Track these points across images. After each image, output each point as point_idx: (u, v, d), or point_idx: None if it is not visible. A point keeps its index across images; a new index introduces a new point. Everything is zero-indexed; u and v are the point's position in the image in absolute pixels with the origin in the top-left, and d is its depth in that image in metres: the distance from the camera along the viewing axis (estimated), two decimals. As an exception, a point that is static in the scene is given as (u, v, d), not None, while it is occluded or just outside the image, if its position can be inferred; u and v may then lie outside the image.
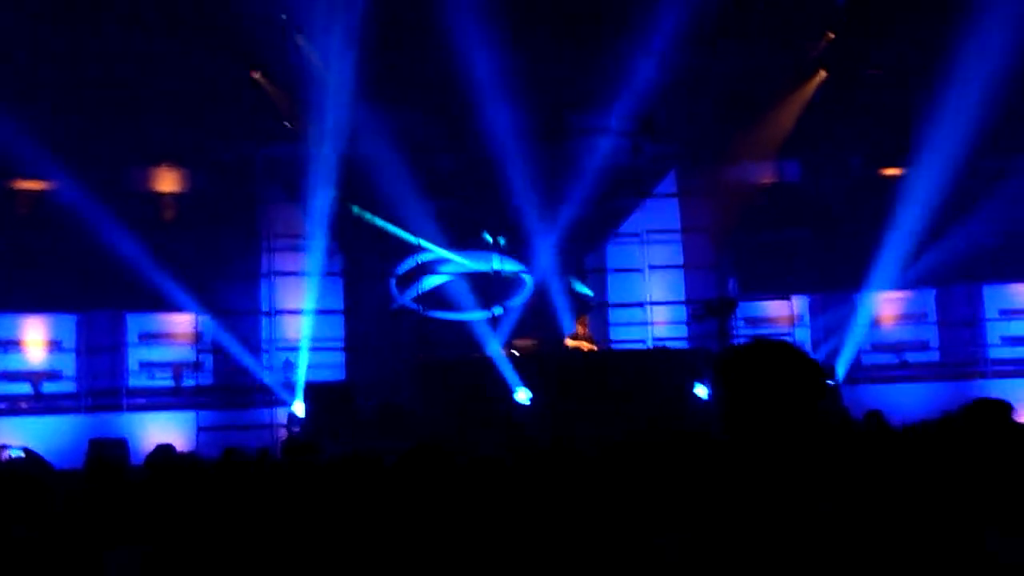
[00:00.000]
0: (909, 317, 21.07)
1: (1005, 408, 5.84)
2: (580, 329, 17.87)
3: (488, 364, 17.11)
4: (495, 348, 18.13)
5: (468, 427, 14.54)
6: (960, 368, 20.34)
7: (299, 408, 17.88)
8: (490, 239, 19.85)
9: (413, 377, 17.48)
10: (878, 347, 20.92)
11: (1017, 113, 17.65)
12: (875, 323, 20.93)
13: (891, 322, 21.07)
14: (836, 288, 20.32)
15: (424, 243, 20.40)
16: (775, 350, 2.74)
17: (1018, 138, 18.75)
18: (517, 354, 17.19)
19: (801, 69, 19.75)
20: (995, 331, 20.54)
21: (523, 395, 16.30)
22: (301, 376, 19.02)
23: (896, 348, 20.90)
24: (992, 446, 5.18)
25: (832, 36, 18.90)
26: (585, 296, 20.88)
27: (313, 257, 20.06)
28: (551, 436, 10.64)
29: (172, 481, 7.18)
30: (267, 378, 19.46)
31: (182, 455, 10.86)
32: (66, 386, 19.54)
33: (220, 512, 5.62)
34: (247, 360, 19.64)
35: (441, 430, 14.34)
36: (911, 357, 20.82)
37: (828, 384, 2.85)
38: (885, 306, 21.02)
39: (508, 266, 20.64)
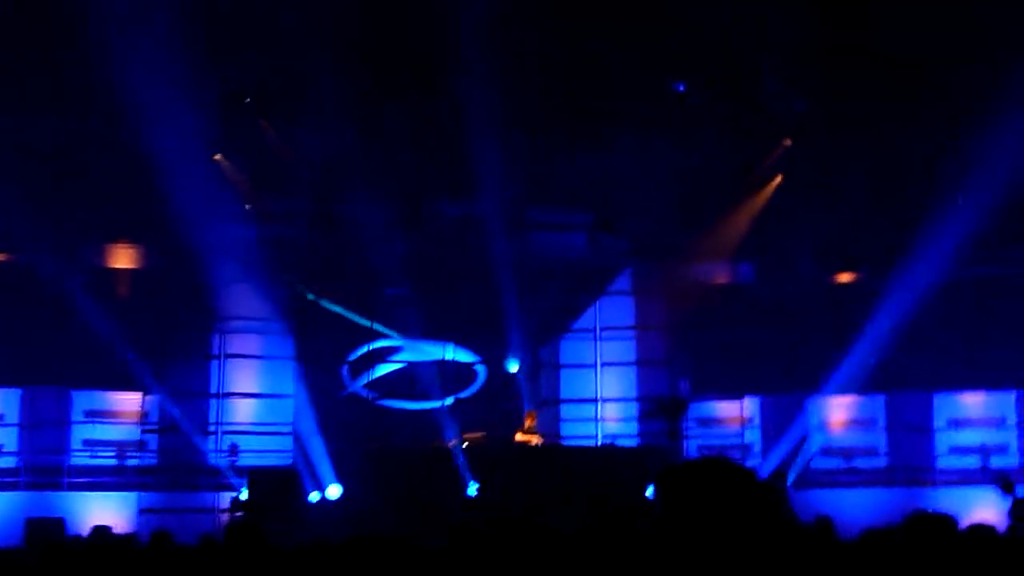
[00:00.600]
0: (859, 422, 21.13)
1: (948, 522, 5.84)
2: (529, 423, 17.82)
3: (437, 455, 17.00)
4: (446, 439, 18.02)
5: (413, 517, 14.37)
6: (909, 474, 20.37)
7: (244, 494, 17.65)
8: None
9: (360, 464, 17.31)
10: (827, 451, 20.92)
11: (975, 224, 17.90)
12: (825, 427, 20.99)
13: (841, 426, 21.11)
14: (787, 391, 20.39)
15: (379, 329, 20.35)
16: (710, 467, 2.77)
17: (975, 250, 19.02)
18: (466, 446, 17.10)
19: (758, 173, 20.03)
20: (944, 440, 20.62)
21: (473, 489, 16.23)
22: (245, 461, 18.83)
23: (845, 453, 20.91)
24: (934, 561, 5.19)
25: (788, 142, 19.22)
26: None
27: (265, 340, 19.97)
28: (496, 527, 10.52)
29: (109, 564, 7.04)
30: (213, 461, 19.20)
31: (119, 537, 10.67)
32: (6, 461, 19.17)
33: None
34: (194, 441, 19.38)
35: (385, 519, 14.17)
36: (860, 462, 20.83)
37: (766, 496, 2.85)
38: (835, 410, 21.08)
39: (461, 356, 20.60)
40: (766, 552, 2.66)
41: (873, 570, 5.44)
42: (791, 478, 19.45)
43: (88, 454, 19.49)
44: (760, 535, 2.67)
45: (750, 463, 19.82)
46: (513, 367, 20.14)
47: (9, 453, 19.27)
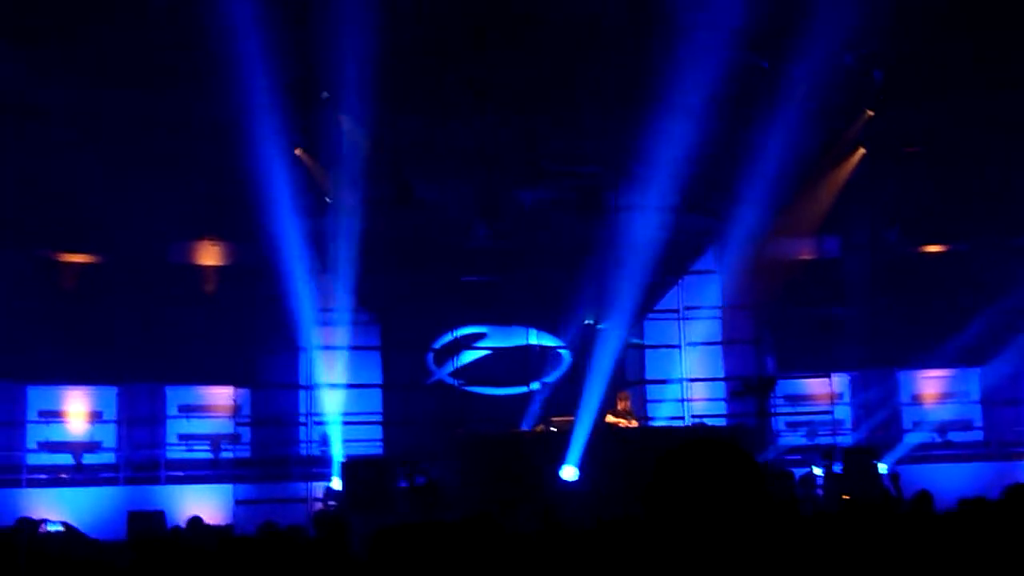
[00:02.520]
0: (952, 396, 20.83)
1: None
2: (621, 405, 17.75)
3: (526, 440, 17.06)
4: (534, 423, 18.07)
5: (505, 503, 14.42)
6: (1004, 448, 20.05)
7: (336, 483, 17.87)
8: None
9: (450, 452, 17.43)
10: (921, 426, 20.66)
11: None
12: (917, 402, 20.72)
13: (934, 401, 20.84)
14: (877, 366, 20.14)
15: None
16: (708, 451, 2.73)
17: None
18: (555, 430, 17.12)
19: (841, 146, 19.77)
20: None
21: (570, 472, 16.18)
22: (338, 450, 19.03)
23: (939, 427, 20.62)
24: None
25: (871, 114, 18.94)
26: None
27: (352, 331, 20.16)
28: (590, 515, 10.55)
29: (211, 555, 7.20)
30: (304, 452, 19.47)
31: (215, 528, 10.89)
32: (106, 457, 19.64)
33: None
34: (285, 434, 19.68)
35: (477, 506, 14.24)
36: (954, 436, 20.53)
37: (761, 480, 2.82)
38: (927, 384, 20.81)
39: (546, 341, 20.63)
40: (757, 539, 2.60)
41: (970, 541, 5.39)
42: (885, 453, 19.20)
43: (183, 448, 19.88)
44: (752, 522, 2.61)
45: (841, 439, 19.63)
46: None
47: (108, 449, 19.74)
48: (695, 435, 17.51)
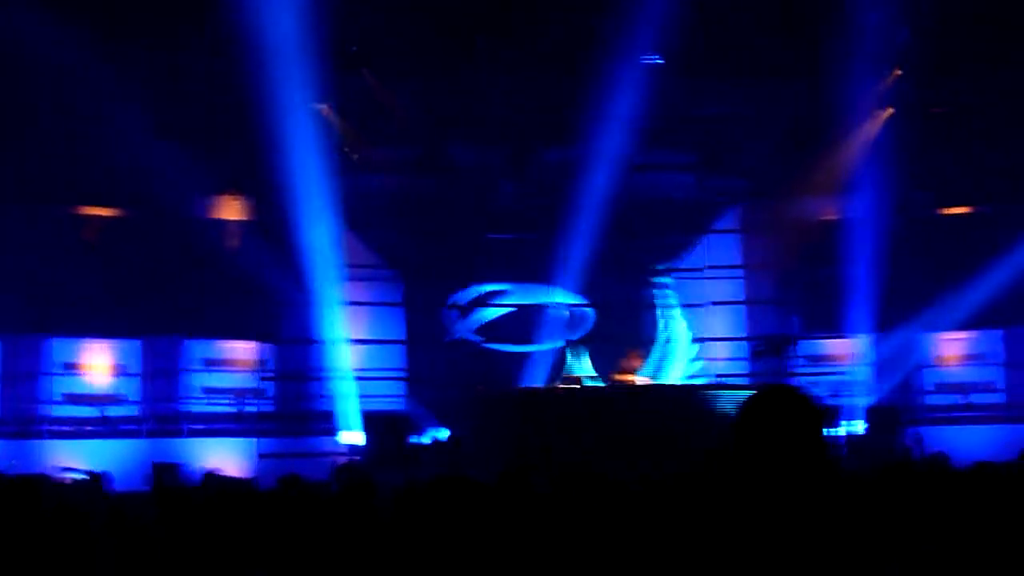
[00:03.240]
0: (974, 358, 20.75)
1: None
2: (636, 363, 17.73)
3: (545, 396, 17.09)
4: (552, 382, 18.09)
5: (524, 459, 14.47)
6: (1027, 411, 19.99)
7: (356, 437, 17.98)
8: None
9: (470, 408, 17.49)
10: (943, 387, 20.60)
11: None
12: (939, 363, 20.65)
13: (956, 362, 20.77)
14: (899, 326, 20.07)
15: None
16: (778, 397, 2.94)
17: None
18: (576, 387, 17.13)
19: (867, 105, 19.59)
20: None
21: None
22: (356, 405, 19.13)
23: (962, 389, 20.55)
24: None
25: (899, 72, 18.75)
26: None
27: (375, 287, 20.21)
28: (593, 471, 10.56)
29: (235, 508, 7.24)
30: (327, 406, 19.55)
31: (236, 480, 10.94)
32: (129, 410, 19.76)
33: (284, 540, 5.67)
34: (308, 388, 19.77)
35: (497, 461, 14.29)
36: (977, 399, 20.47)
37: (824, 428, 2.91)
38: (949, 346, 20.74)
39: (569, 299, 20.63)
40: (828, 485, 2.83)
41: (985, 503, 5.38)
42: (906, 414, 19.18)
43: (206, 401, 19.99)
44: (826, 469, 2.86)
45: (862, 400, 19.59)
46: None
47: (132, 402, 19.86)
48: (715, 393, 17.52)
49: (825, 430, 2.95)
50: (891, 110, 19.46)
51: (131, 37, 17.64)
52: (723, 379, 19.50)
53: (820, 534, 2.74)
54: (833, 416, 17.77)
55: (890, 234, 19.53)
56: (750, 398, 2.97)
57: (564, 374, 17.88)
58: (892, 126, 19.44)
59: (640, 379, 17.63)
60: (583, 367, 17.72)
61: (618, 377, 17.53)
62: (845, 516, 2.81)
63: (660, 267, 21.00)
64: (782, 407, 2.89)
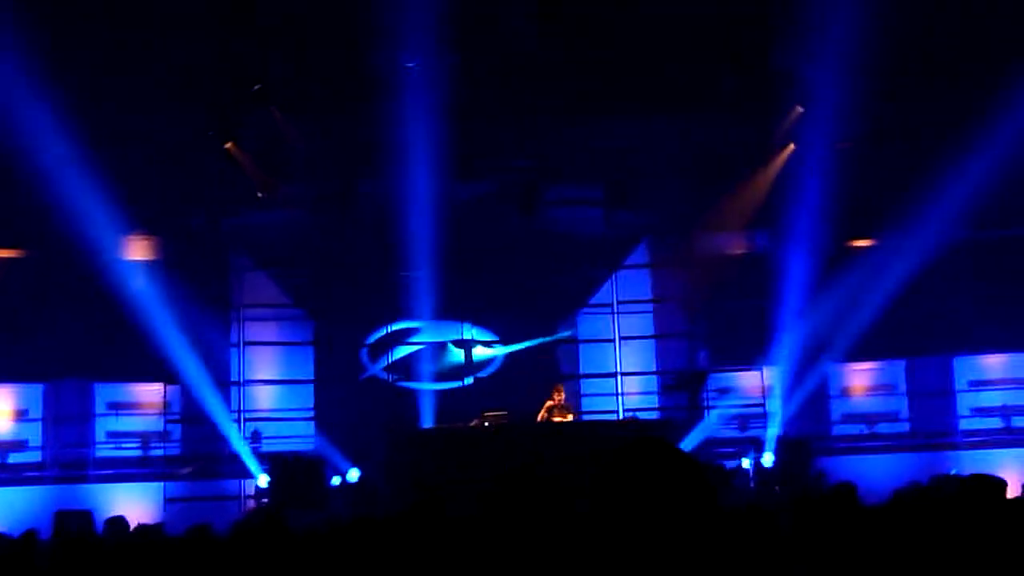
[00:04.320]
0: (879, 388, 21.14)
1: (1001, 486, 5.86)
2: (557, 397, 17.75)
3: (460, 435, 17.02)
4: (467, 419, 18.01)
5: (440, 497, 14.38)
6: (931, 439, 20.37)
7: (263, 480, 17.80)
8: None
9: (380, 447, 17.36)
10: (850, 418, 20.94)
11: (989, 187, 17.83)
12: (845, 394, 20.99)
13: (861, 393, 21.13)
14: (807, 358, 20.36)
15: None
16: (648, 451, 2.72)
17: (991, 212, 18.95)
18: (487, 425, 17.09)
19: (771, 142, 19.95)
20: (965, 402, 20.63)
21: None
22: (266, 447, 18.95)
23: (866, 419, 20.91)
24: (987, 524, 5.18)
25: (801, 110, 19.12)
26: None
27: (283, 327, 20.04)
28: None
29: (139, 555, 7.10)
30: (236, 449, 19.29)
31: (145, 528, 10.74)
32: (32, 456, 19.31)
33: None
34: (216, 430, 19.48)
35: (408, 501, 14.18)
36: (881, 428, 20.83)
37: (706, 479, 2.81)
38: (855, 377, 21.09)
39: (479, 336, 20.63)
40: (703, 538, 2.62)
41: (899, 532, 5.45)
42: (815, 445, 19.44)
43: (112, 446, 19.61)
44: (699, 521, 2.63)
45: (771, 431, 19.82)
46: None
47: (34, 448, 19.41)
48: (628, 429, 17.59)
49: (702, 480, 2.70)
50: (792, 146, 19.82)
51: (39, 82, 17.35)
52: (635, 414, 19.58)
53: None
54: (716, 467, 17.97)
55: (798, 266, 19.86)
56: (613, 457, 2.75)
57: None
58: (796, 161, 19.80)
59: (563, 414, 17.57)
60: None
61: (556, 416, 17.40)
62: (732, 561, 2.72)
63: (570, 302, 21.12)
64: (648, 465, 2.68)
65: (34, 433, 19.48)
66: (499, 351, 20.67)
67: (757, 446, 18.66)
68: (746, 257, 21.29)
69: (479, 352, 20.51)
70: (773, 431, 19.80)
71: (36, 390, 19.55)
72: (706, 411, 20.47)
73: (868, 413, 21.01)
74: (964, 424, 20.50)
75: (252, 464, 18.79)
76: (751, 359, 20.38)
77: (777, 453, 18.64)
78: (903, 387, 21.14)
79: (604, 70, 17.82)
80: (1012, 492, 6.50)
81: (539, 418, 17.30)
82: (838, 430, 20.80)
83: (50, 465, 19.15)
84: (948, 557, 4.84)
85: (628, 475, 2.67)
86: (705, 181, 20.04)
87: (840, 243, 20.28)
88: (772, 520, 5.38)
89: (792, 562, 4.90)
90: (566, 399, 17.97)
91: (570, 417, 17.73)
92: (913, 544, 5.17)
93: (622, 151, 19.78)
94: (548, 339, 20.68)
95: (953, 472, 16.37)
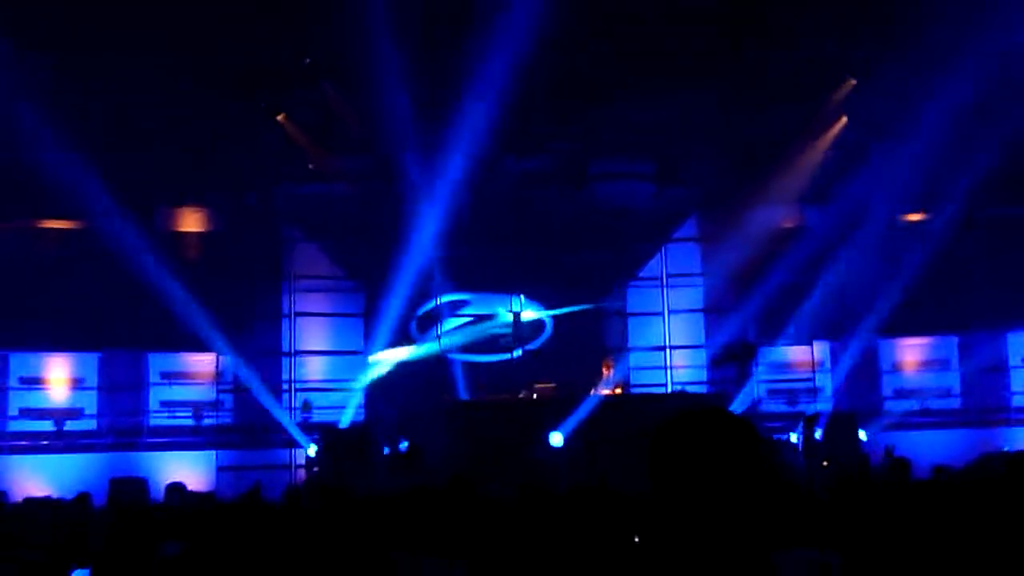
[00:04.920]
0: (932, 363, 20.96)
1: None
2: (606, 372, 17.77)
3: (510, 406, 17.10)
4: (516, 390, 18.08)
5: (488, 470, 14.44)
6: (984, 415, 20.21)
7: (311, 450, 17.99)
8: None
9: (435, 418, 17.47)
10: (900, 393, 20.79)
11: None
12: (897, 369, 20.84)
13: (913, 368, 20.96)
14: (858, 333, 20.23)
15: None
16: (702, 422, 2.64)
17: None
18: (536, 397, 17.16)
19: (823, 115, 19.77)
20: (1019, 379, 20.43)
21: (557, 438, 16.18)
22: (317, 418, 19.12)
23: (918, 394, 20.75)
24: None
25: (853, 83, 18.93)
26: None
27: (335, 298, 20.17)
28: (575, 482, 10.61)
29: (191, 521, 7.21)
30: (286, 418, 19.48)
31: (196, 494, 10.91)
32: (87, 424, 19.61)
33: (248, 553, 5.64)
34: (267, 400, 19.68)
35: (460, 472, 14.24)
36: (933, 404, 20.67)
37: (762, 445, 2.74)
38: (907, 352, 20.93)
39: (528, 308, 20.66)
40: (761, 510, 2.56)
41: (948, 507, 5.44)
42: (864, 419, 19.32)
43: (166, 415, 19.86)
44: (757, 492, 2.56)
45: (821, 406, 19.73)
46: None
47: (90, 416, 19.71)
48: (679, 403, 17.58)
49: (761, 452, 2.62)
50: (845, 119, 19.63)
51: (90, 56, 17.53)
52: (683, 387, 19.57)
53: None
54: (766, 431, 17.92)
55: (848, 241, 19.71)
56: (667, 425, 2.66)
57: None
58: (847, 135, 19.63)
59: (610, 389, 17.62)
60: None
61: (603, 391, 17.41)
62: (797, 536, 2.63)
63: (621, 275, 21.10)
64: (708, 435, 2.61)
65: (90, 401, 19.78)
66: (545, 313, 20.64)
67: (806, 420, 18.57)
68: (796, 231, 21.14)
69: (527, 315, 20.50)
70: (822, 406, 19.72)
71: (92, 359, 19.84)
72: (754, 385, 20.42)
73: (920, 388, 20.83)
74: (1017, 400, 20.30)
75: (297, 434, 18.95)
76: (801, 334, 20.28)
77: (826, 428, 18.55)
78: (956, 363, 20.96)
79: (652, 46, 17.70)
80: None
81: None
82: (889, 406, 20.64)
83: (105, 433, 19.43)
84: (995, 533, 4.83)
85: (687, 442, 2.60)
86: (757, 155, 19.90)
87: (892, 217, 20.11)
88: (818, 494, 5.39)
89: (836, 534, 4.90)
90: (614, 372, 18.02)
91: (618, 391, 17.77)
92: (961, 520, 5.16)
93: (672, 125, 19.67)
94: (595, 305, 20.61)
95: (1005, 449, 16.26)
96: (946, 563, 4.40)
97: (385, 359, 18.57)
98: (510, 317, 20.46)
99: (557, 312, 20.51)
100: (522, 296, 20.40)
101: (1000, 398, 20.41)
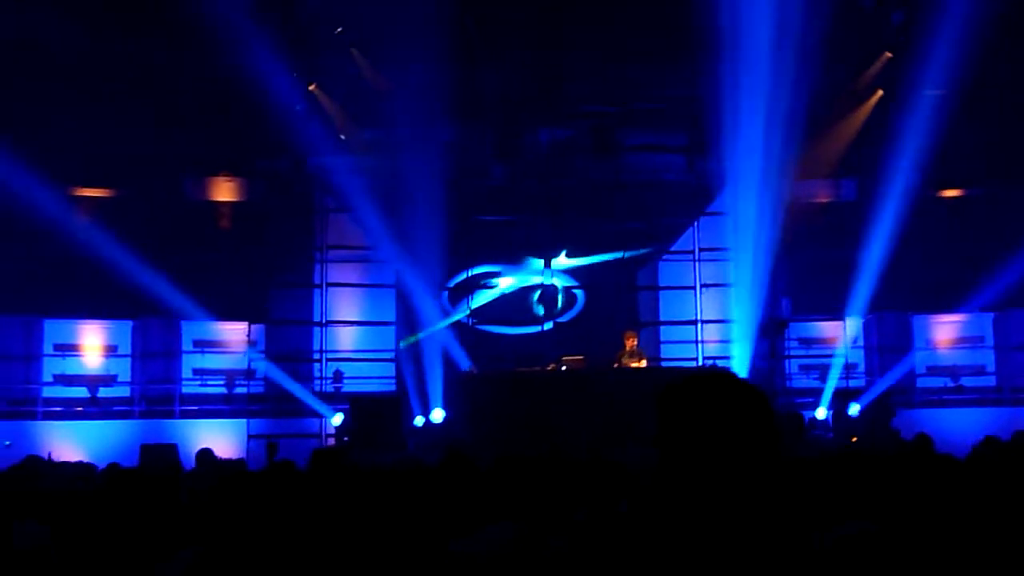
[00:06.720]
0: (966, 341, 20.77)
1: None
2: (629, 344, 17.72)
3: (538, 378, 17.11)
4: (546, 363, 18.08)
5: (512, 440, 14.46)
6: (1018, 393, 20.03)
7: (338, 419, 18.08)
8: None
9: (461, 389, 17.52)
10: (934, 370, 20.62)
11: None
12: (931, 346, 20.67)
13: (947, 345, 20.78)
14: (892, 309, 20.09)
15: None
16: (711, 384, 2.58)
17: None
18: (565, 369, 17.16)
19: (858, 88, 19.57)
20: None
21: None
22: (347, 388, 19.22)
23: (952, 372, 20.58)
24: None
25: (889, 56, 18.73)
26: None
27: (366, 268, 20.22)
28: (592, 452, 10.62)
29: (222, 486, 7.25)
30: (318, 388, 19.59)
31: (227, 461, 10.98)
32: (121, 391, 19.79)
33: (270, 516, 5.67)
34: (299, 370, 19.79)
35: (484, 442, 14.31)
36: (967, 381, 20.50)
37: (772, 414, 2.68)
38: (941, 329, 20.75)
39: (560, 280, 20.64)
40: (769, 479, 2.49)
41: (975, 487, 5.39)
42: (896, 396, 19.22)
43: (198, 382, 20.01)
44: (765, 460, 2.50)
45: (854, 383, 19.63)
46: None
47: (123, 383, 19.88)
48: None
49: (771, 421, 2.54)
50: (880, 92, 19.44)
51: (121, 27, 17.61)
52: (714, 361, 19.50)
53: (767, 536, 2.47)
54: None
55: (883, 216, 19.54)
56: (671, 387, 2.61)
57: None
58: (883, 108, 19.43)
59: (637, 361, 17.56)
60: None
61: (625, 362, 17.41)
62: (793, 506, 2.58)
63: (652, 249, 21.02)
64: (713, 400, 2.54)
65: (123, 368, 19.95)
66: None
67: (837, 396, 18.47)
68: (831, 205, 20.99)
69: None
70: (854, 382, 19.61)
71: (125, 326, 19.99)
72: (786, 360, 20.35)
73: (954, 366, 20.66)
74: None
75: (316, 404, 19.01)
76: (834, 309, 20.14)
77: (860, 404, 18.46)
78: (990, 340, 20.76)
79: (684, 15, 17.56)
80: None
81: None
82: (922, 383, 20.48)
83: (138, 400, 19.60)
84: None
85: (694, 401, 2.55)
86: (790, 128, 19.72)
87: (928, 192, 19.91)
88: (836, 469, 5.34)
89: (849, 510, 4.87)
90: (639, 345, 17.96)
91: (643, 363, 17.70)
92: (988, 500, 5.11)
93: (705, 97, 19.52)
94: (629, 254, 20.54)
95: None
96: (984, 535, 4.36)
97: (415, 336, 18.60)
98: (540, 290, 20.46)
99: (591, 260, 20.47)
100: (555, 257, 20.35)
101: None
